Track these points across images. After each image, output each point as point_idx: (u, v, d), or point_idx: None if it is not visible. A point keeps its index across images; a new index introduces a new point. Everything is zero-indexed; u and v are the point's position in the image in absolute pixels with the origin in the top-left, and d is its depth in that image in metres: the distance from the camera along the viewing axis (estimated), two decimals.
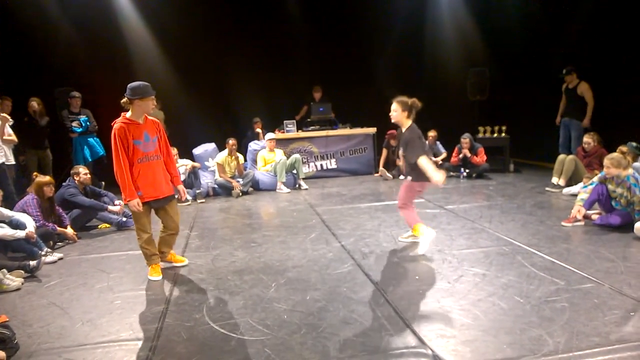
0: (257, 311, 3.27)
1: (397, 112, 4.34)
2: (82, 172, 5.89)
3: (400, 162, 4.72)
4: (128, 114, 3.91)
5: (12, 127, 6.11)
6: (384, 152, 9.08)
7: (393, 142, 8.81)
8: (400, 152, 4.51)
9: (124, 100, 3.87)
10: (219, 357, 2.70)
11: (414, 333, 2.85)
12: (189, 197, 7.50)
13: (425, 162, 4.18)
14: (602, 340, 2.65)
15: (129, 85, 3.86)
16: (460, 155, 8.41)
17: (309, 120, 9.52)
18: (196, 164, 7.84)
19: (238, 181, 7.83)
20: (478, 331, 2.83)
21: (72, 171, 5.94)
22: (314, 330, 2.94)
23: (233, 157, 7.92)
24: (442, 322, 2.98)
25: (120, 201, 5.99)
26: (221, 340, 2.89)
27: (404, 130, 4.40)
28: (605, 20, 7.77)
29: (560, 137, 8.21)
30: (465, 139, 8.37)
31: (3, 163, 5.63)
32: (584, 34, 8.17)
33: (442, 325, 2.94)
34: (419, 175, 4.31)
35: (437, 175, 4.10)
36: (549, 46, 8.97)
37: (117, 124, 3.85)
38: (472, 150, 8.35)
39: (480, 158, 8.29)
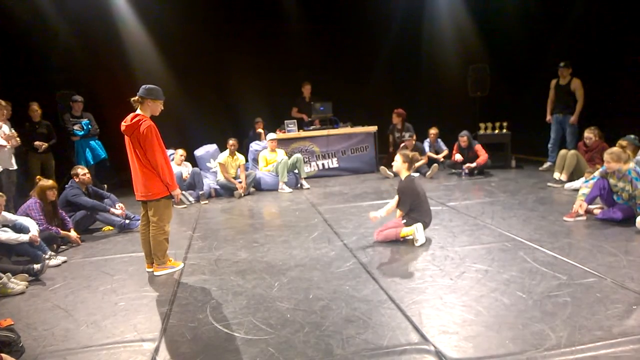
0: (260, 310, 3.29)
1: (398, 162, 4.80)
2: (81, 173, 5.90)
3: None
4: (138, 112, 4.01)
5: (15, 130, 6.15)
6: (390, 137, 9.26)
7: (396, 120, 9.22)
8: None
9: (135, 98, 3.98)
10: (223, 356, 2.72)
11: (417, 330, 2.86)
12: (191, 199, 7.52)
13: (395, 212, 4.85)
14: (604, 334, 2.66)
15: (144, 86, 3.99)
16: (456, 158, 8.39)
17: (309, 119, 9.52)
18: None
19: (240, 182, 7.83)
20: (481, 327, 2.84)
21: (72, 172, 5.97)
22: (317, 329, 2.96)
23: (234, 158, 7.93)
24: (444, 318, 2.99)
25: (121, 204, 6.02)
26: (225, 340, 2.90)
27: (402, 178, 4.80)
28: (606, 15, 7.76)
29: (552, 134, 8.18)
30: (463, 137, 8.33)
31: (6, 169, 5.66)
32: (584, 28, 8.15)
33: (445, 321, 2.94)
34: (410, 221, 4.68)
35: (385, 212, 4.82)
36: (549, 41, 8.95)
37: (145, 120, 3.92)
38: (470, 148, 8.31)
39: (482, 159, 8.14)
